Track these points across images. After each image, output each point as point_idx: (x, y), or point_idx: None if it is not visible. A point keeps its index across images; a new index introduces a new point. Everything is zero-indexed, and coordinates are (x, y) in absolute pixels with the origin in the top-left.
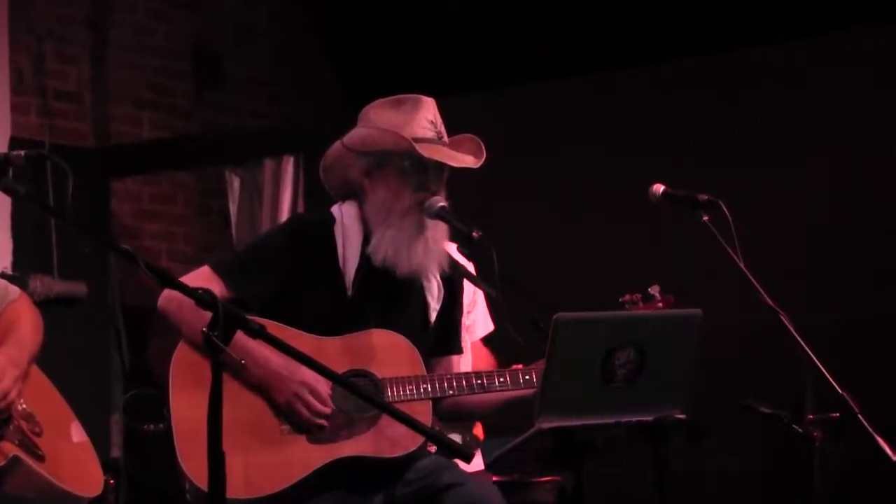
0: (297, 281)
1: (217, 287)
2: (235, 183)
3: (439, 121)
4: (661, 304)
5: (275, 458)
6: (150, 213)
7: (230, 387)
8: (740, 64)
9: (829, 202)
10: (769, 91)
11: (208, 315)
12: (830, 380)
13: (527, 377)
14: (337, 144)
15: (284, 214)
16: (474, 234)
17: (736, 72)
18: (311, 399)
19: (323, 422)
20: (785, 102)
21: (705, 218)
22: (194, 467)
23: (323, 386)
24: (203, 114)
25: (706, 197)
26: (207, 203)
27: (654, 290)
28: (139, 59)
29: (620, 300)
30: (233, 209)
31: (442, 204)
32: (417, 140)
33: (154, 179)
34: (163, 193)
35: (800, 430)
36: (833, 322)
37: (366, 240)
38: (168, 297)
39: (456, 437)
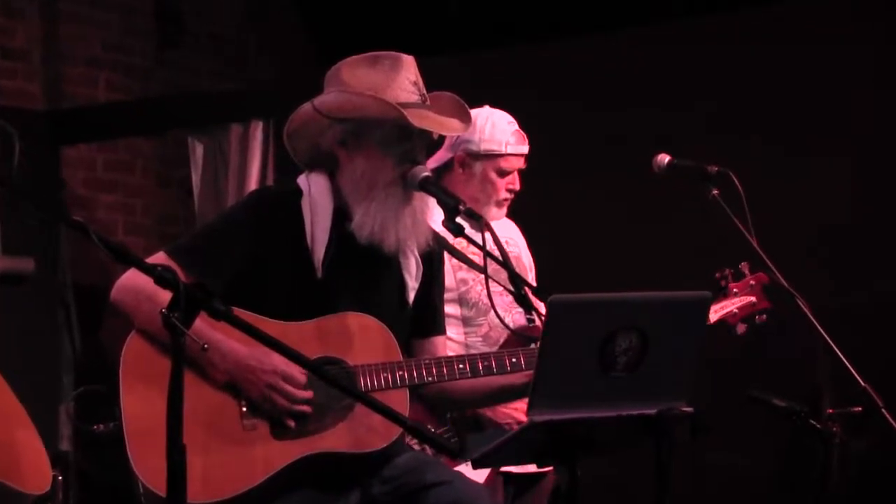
0: (261, 262)
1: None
2: (199, 150)
3: (421, 81)
4: (752, 282)
5: (237, 457)
6: (105, 183)
7: (187, 380)
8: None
9: (856, 180)
10: (793, 49)
11: (167, 300)
12: (852, 370)
13: (513, 360)
14: (307, 107)
15: (252, 185)
16: (461, 206)
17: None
18: (287, 387)
19: (305, 408)
20: (815, 63)
21: (715, 192)
22: (147, 469)
23: (297, 370)
24: (164, 74)
25: (716, 168)
26: (168, 172)
27: (744, 267)
28: (94, 13)
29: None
30: (196, 179)
31: (426, 174)
32: (402, 105)
33: (110, 146)
34: (119, 161)
35: (818, 425)
36: (856, 308)
37: (336, 214)
38: (123, 287)
39: None
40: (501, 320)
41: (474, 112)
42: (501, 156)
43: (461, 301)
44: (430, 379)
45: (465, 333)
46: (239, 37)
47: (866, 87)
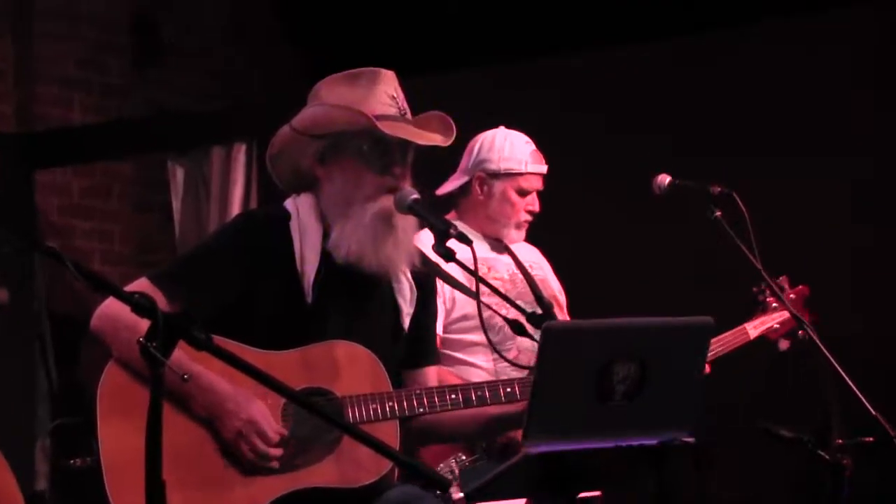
0: (249, 288)
1: (157, 301)
2: (179, 174)
3: (401, 96)
4: (792, 296)
5: (218, 494)
6: (81, 209)
7: (167, 412)
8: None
9: (872, 197)
10: (799, 63)
11: (142, 330)
12: (861, 398)
13: (508, 390)
14: (284, 129)
15: (235, 210)
16: (452, 230)
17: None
18: (257, 442)
19: (274, 463)
20: (826, 77)
21: (718, 213)
22: None
23: (271, 425)
24: (141, 93)
25: (719, 188)
26: (147, 197)
27: (784, 281)
28: (69, 30)
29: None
30: (176, 204)
31: (415, 196)
32: (378, 118)
33: (86, 170)
34: (96, 186)
35: (827, 456)
36: (869, 334)
37: (325, 237)
38: (102, 315)
39: None
40: (494, 347)
41: (490, 132)
42: (521, 174)
43: (488, 326)
44: (420, 410)
45: (494, 360)
46: (221, 53)
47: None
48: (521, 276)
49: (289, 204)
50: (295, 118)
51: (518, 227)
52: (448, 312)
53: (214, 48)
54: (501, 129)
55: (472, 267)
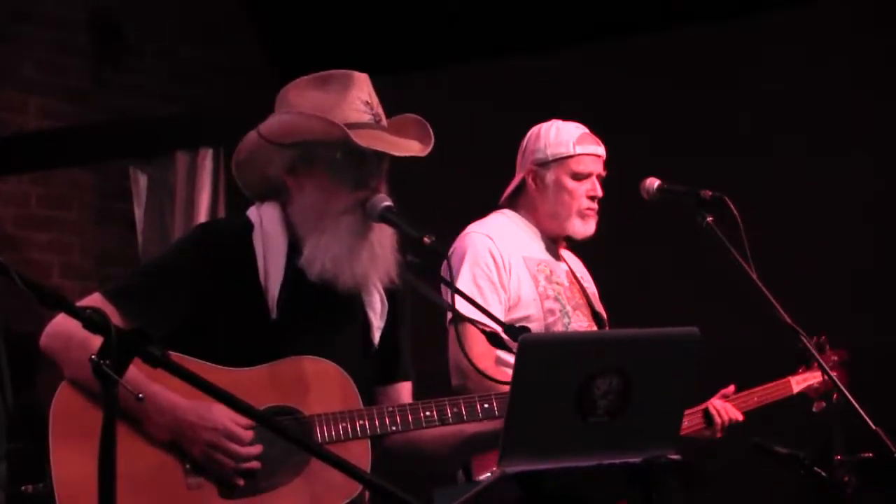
0: (209, 303)
1: (111, 317)
2: (142, 182)
3: (375, 100)
4: (834, 358)
5: None
6: (38, 220)
7: (124, 436)
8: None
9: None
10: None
11: (94, 348)
12: (861, 413)
13: (485, 406)
14: (252, 135)
15: (201, 218)
16: (426, 238)
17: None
18: (231, 445)
19: (253, 464)
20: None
21: (709, 219)
22: None
23: (241, 426)
24: (102, 97)
25: (710, 193)
26: (108, 207)
27: (825, 341)
28: (24, 29)
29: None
30: (139, 214)
31: (387, 203)
32: (351, 126)
33: (43, 178)
34: (54, 195)
35: (825, 474)
36: (868, 346)
37: (291, 249)
38: (53, 332)
39: None
40: (470, 361)
41: (539, 124)
42: (571, 157)
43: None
44: (393, 428)
45: None
46: (186, 53)
47: None
48: (577, 286)
49: (251, 213)
50: (263, 124)
51: (581, 216)
52: (511, 309)
53: (179, 48)
54: (552, 120)
55: (448, 279)
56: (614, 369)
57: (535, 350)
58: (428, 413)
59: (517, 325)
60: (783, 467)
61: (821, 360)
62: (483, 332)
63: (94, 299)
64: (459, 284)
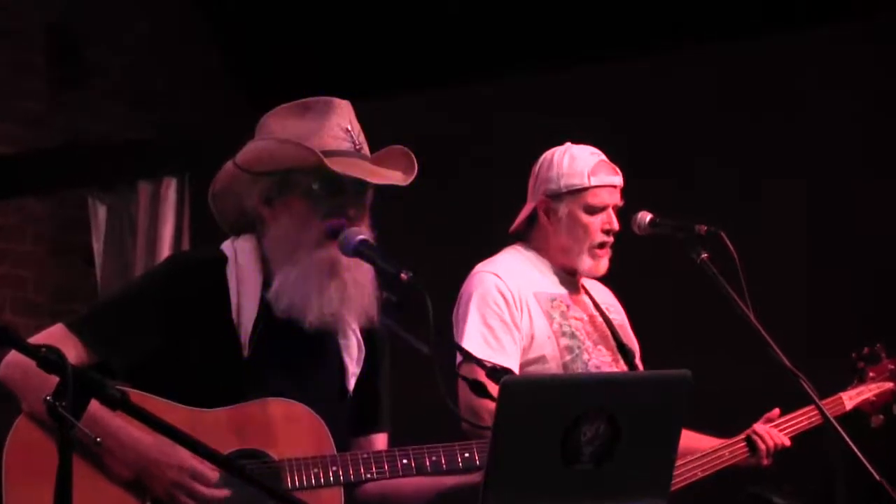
0: (178, 339)
1: (73, 350)
2: (101, 212)
3: (357, 128)
4: (892, 367)
5: None
6: None
7: (83, 473)
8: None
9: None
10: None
11: (55, 381)
12: (865, 463)
13: (466, 455)
14: (228, 165)
15: (164, 253)
16: (403, 275)
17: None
18: (196, 486)
19: None
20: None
21: (704, 256)
22: None
23: (208, 466)
24: (59, 121)
25: (705, 227)
26: (65, 239)
27: (880, 349)
28: None
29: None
30: (97, 247)
31: (362, 237)
32: (328, 153)
33: None
34: (7, 226)
35: None
36: None
37: (266, 284)
38: (11, 363)
39: None
40: (452, 408)
41: (552, 150)
42: (586, 189)
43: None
44: (368, 476)
45: None
46: (149, 75)
47: None
48: (599, 318)
49: (226, 247)
50: (239, 153)
51: (592, 254)
52: (524, 350)
53: (142, 70)
54: (567, 144)
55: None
56: (601, 413)
57: (518, 393)
58: (405, 461)
59: (530, 365)
60: None
61: (818, 402)
62: (465, 379)
63: (57, 330)
64: (468, 327)
